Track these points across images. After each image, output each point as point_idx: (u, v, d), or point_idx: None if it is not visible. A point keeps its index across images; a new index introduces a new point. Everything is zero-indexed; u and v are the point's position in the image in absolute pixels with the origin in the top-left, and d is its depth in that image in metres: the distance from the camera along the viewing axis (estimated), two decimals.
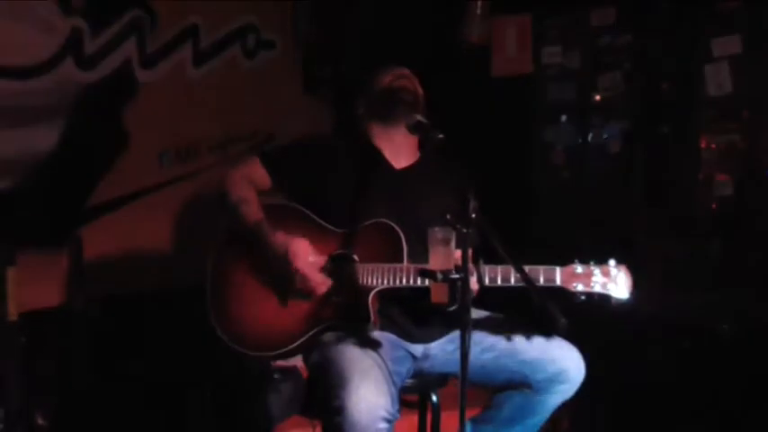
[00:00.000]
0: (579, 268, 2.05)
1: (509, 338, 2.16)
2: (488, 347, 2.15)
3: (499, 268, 2.03)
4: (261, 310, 2.18)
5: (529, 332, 2.18)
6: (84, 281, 3.12)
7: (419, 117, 2.14)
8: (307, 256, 2.10)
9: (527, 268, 1.95)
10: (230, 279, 2.23)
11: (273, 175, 2.27)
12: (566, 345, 2.16)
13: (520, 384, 2.16)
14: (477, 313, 2.21)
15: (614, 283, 2.04)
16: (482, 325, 2.19)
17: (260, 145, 3.83)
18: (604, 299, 2.06)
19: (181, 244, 3.49)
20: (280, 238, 2.12)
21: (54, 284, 3.09)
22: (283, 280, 2.14)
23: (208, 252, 2.29)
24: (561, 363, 2.12)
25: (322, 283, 2.12)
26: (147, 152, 3.41)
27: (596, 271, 2.05)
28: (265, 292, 2.18)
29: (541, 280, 2.03)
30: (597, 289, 2.04)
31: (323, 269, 2.13)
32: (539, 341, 2.15)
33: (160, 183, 3.46)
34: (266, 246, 2.13)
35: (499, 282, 2.03)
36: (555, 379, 2.12)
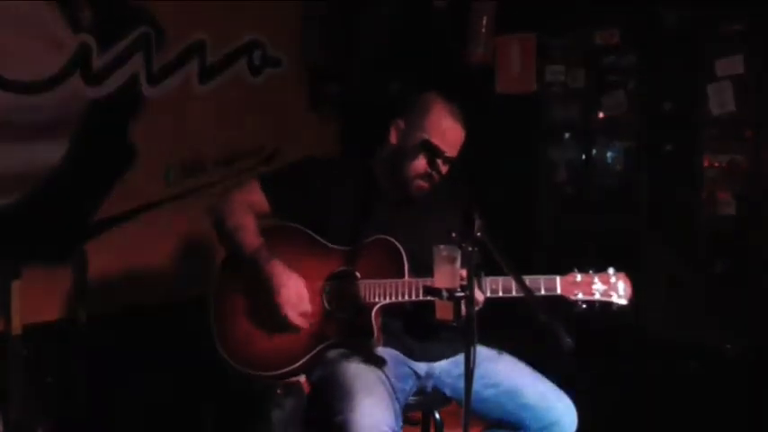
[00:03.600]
0: (579, 277, 2.07)
1: (515, 380, 2.15)
2: (492, 384, 2.14)
3: (500, 280, 2.04)
4: (264, 330, 2.18)
5: (535, 375, 2.18)
6: (88, 295, 3.12)
7: (426, 136, 2.16)
8: (293, 300, 2.11)
9: (527, 278, 1.97)
10: (233, 300, 2.23)
11: (272, 200, 2.27)
12: (563, 396, 2.15)
13: (512, 426, 2.15)
14: (489, 352, 2.20)
15: (614, 290, 2.06)
16: (491, 361, 2.18)
17: (265, 162, 3.85)
18: (605, 306, 2.07)
19: (186, 259, 3.50)
20: (276, 273, 2.13)
21: (58, 299, 3.09)
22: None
23: (211, 270, 2.30)
24: (556, 413, 2.10)
25: (301, 325, 2.14)
26: (152, 168, 3.42)
27: (596, 279, 2.06)
28: (268, 312, 2.17)
29: (542, 289, 2.05)
30: (598, 297, 2.06)
31: (330, 279, 2.15)
32: (541, 388, 2.14)
33: (165, 198, 3.47)
34: (263, 275, 2.14)
35: (500, 293, 2.04)
36: (548, 430, 2.11)
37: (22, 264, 2.88)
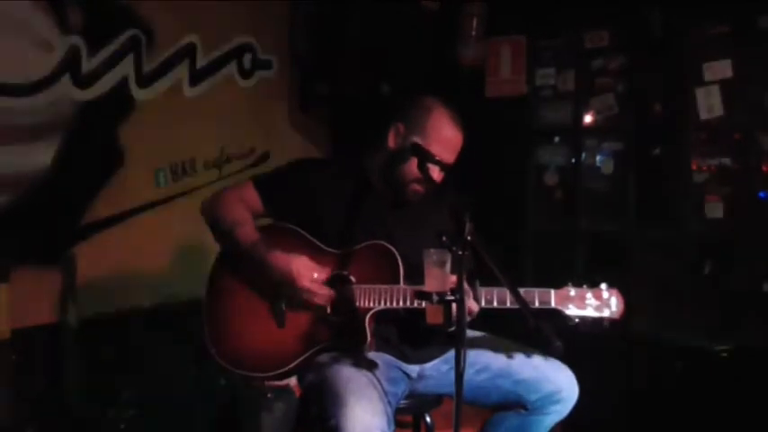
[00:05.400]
0: (572, 291, 2.09)
1: (504, 358, 2.17)
2: (483, 368, 2.16)
3: (495, 290, 2.05)
4: (257, 332, 2.18)
5: (523, 350, 2.20)
6: (77, 298, 3.11)
7: (417, 139, 2.16)
8: (311, 273, 2.11)
9: (522, 290, 1.97)
10: (226, 302, 2.23)
11: (267, 201, 2.27)
12: (559, 365, 2.17)
13: (514, 404, 2.17)
14: (470, 333, 2.21)
15: (606, 305, 2.08)
16: (476, 345, 2.20)
17: (255, 165, 3.84)
18: (597, 321, 2.09)
19: (176, 262, 3.49)
20: (280, 257, 2.12)
21: (47, 302, 3.08)
22: (282, 299, 2.15)
23: (202, 272, 2.29)
24: (555, 383, 2.13)
25: (327, 298, 2.12)
26: (142, 170, 3.41)
27: (589, 294, 2.09)
28: (261, 313, 2.18)
29: (536, 302, 2.06)
30: (590, 312, 2.08)
31: (326, 283, 2.14)
32: (533, 361, 2.17)
33: (155, 201, 3.46)
34: (265, 266, 2.12)
35: (495, 304, 2.05)
36: (549, 399, 2.13)
37: (10, 267, 2.86)
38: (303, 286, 2.09)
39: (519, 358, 2.18)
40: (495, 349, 2.21)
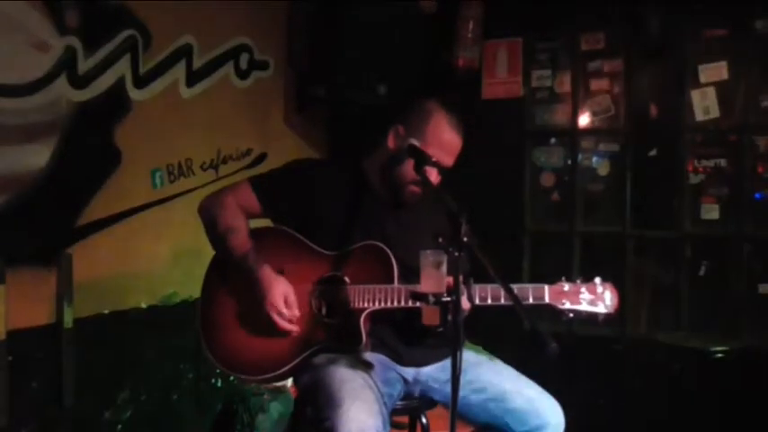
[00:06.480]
0: (567, 286, 2.10)
1: (501, 385, 2.18)
2: (479, 389, 2.17)
3: (489, 288, 2.05)
4: (252, 334, 2.19)
5: (522, 380, 2.21)
6: (73, 299, 3.11)
7: (414, 141, 2.17)
8: (282, 304, 2.13)
9: (516, 287, 1.98)
10: (221, 304, 2.24)
11: (264, 202, 2.27)
12: (551, 400, 2.18)
13: (499, 429, 2.17)
14: (476, 358, 2.25)
15: (601, 300, 2.09)
16: (480, 366, 2.21)
17: (252, 166, 3.84)
18: (592, 316, 2.09)
19: (172, 263, 3.48)
20: (264, 276, 2.14)
21: (43, 303, 3.07)
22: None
23: (198, 274, 2.29)
24: (543, 417, 2.13)
25: (290, 330, 2.15)
26: (138, 171, 3.40)
27: (583, 288, 2.10)
28: (256, 315, 2.18)
29: (530, 298, 2.07)
30: (585, 306, 2.09)
31: (319, 284, 2.14)
32: (527, 393, 2.17)
33: (152, 202, 3.45)
34: (250, 280, 2.15)
35: (489, 301, 2.06)
36: None
37: (6, 267, 2.86)
38: (271, 314, 2.13)
39: (515, 387, 2.18)
40: (497, 374, 2.22)
